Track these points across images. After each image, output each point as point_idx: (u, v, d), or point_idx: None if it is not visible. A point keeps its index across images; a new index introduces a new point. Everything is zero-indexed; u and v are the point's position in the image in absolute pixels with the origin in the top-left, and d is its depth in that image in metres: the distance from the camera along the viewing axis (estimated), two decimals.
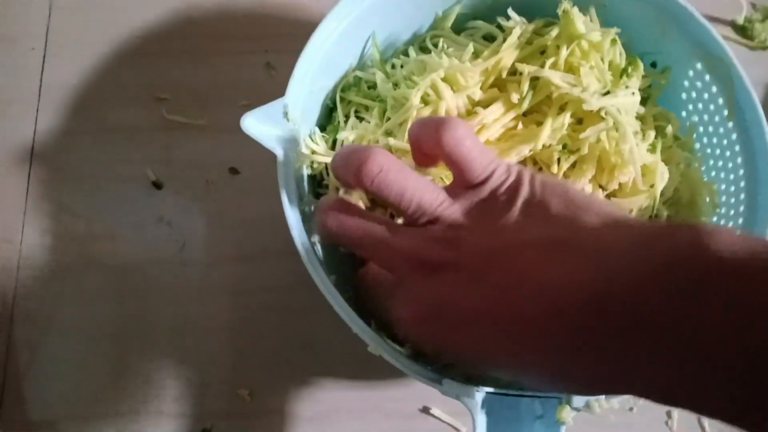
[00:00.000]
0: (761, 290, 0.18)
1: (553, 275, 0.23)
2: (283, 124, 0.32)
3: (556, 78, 0.32)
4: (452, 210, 0.27)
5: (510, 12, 0.36)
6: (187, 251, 0.41)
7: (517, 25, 0.35)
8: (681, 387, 0.20)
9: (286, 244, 0.41)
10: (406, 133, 0.32)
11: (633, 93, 0.34)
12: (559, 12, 0.34)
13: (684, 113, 0.38)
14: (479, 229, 0.26)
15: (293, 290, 0.40)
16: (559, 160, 0.32)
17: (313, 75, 0.34)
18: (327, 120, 0.39)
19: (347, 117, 0.37)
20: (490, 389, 0.30)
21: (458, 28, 0.39)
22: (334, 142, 0.37)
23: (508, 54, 0.34)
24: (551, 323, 0.22)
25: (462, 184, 0.27)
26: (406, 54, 0.38)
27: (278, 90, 0.42)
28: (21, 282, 0.40)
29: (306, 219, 0.32)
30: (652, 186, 0.33)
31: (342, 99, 0.38)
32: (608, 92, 0.33)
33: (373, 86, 0.38)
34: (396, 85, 0.36)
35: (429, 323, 0.26)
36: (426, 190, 0.27)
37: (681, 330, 0.19)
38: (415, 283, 0.26)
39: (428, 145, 0.28)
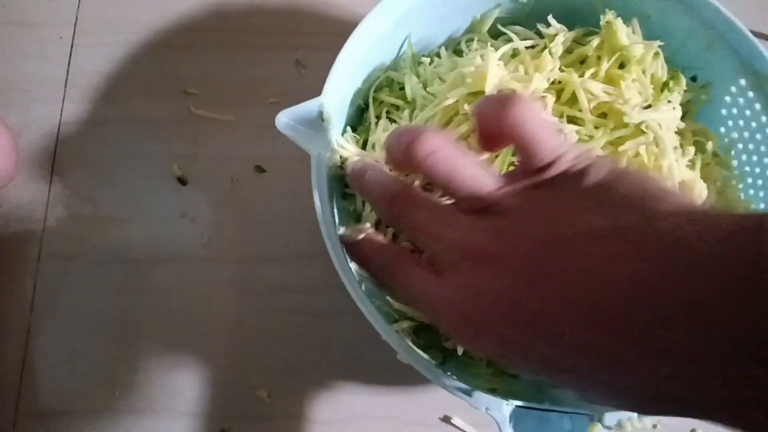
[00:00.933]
0: None
1: (618, 275, 0.20)
2: (317, 124, 0.31)
3: (598, 89, 0.32)
4: (509, 197, 0.24)
5: (550, 19, 0.35)
6: (210, 249, 0.41)
7: (558, 32, 0.34)
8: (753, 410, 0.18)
9: (311, 246, 0.41)
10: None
11: (674, 108, 0.33)
12: (602, 23, 0.34)
13: (723, 129, 0.37)
14: (539, 218, 0.23)
15: (316, 293, 0.40)
16: None
17: (349, 75, 0.34)
18: (358, 120, 0.38)
19: (378, 117, 0.37)
20: (519, 403, 0.29)
21: (495, 33, 0.38)
22: (365, 142, 0.36)
23: (548, 61, 0.33)
24: (615, 330, 0.20)
25: (526, 169, 0.25)
26: (439, 56, 0.37)
27: (307, 88, 0.42)
28: (42, 272, 0.39)
29: (337, 221, 0.31)
30: None
31: (374, 99, 0.37)
32: (649, 106, 0.32)
33: (404, 87, 0.37)
34: (425, 84, 0.36)
35: (474, 328, 0.23)
36: (479, 175, 0.25)
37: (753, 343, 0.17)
38: (464, 279, 0.24)
39: (492, 123, 0.25)
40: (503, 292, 0.22)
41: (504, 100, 0.24)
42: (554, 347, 0.21)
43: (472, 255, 0.23)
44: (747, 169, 0.37)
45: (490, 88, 0.29)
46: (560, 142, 0.24)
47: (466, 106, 0.30)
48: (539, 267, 0.22)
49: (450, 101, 0.31)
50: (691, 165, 0.33)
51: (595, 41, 0.34)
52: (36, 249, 0.40)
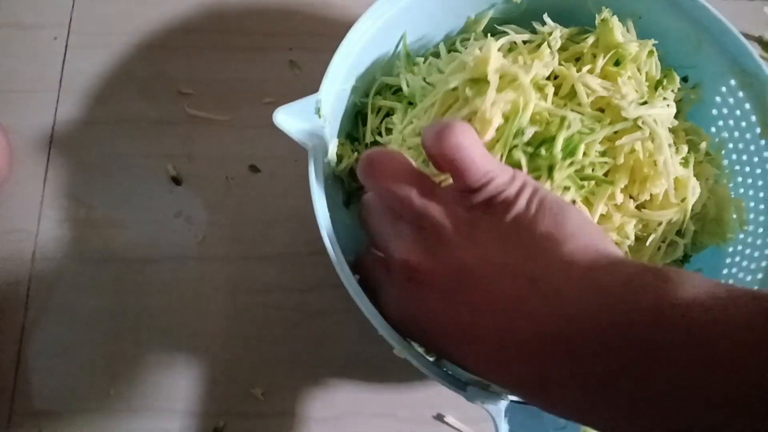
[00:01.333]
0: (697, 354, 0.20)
1: (520, 311, 0.24)
2: (314, 120, 0.32)
3: (596, 84, 0.32)
4: (438, 210, 0.27)
5: (545, 18, 0.36)
6: (204, 248, 0.41)
7: (554, 30, 0.34)
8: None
9: (305, 245, 0.41)
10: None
11: (668, 105, 0.33)
12: (598, 21, 0.34)
13: (713, 129, 0.38)
14: (461, 240, 0.26)
15: (310, 291, 0.40)
16: (593, 168, 0.31)
17: (345, 72, 0.34)
18: (354, 118, 0.38)
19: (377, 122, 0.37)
20: (514, 398, 0.29)
21: (490, 32, 0.38)
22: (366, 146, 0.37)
23: (547, 54, 0.33)
24: (514, 354, 0.24)
25: (459, 189, 0.27)
26: (437, 56, 0.38)
27: (302, 88, 0.42)
28: (36, 272, 0.39)
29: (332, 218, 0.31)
30: (683, 200, 0.33)
31: (371, 105, 0.37)
32: (645, 102, 0.32)
33: (398, 89, 0.37)
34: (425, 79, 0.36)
35: (407, 325, 0.28)
36: (418, 188, 0.27)
37: (632, 382, 0.21)
38: (397, 284, 0.28)
39: (433, 151, 0.27)
40: (426, 306, 0.27)
41: (439, 128, 0.26)
42: (459, 357, 0.27)
43: (406, 269, 0.27)
44: (737, 167, 0.37)
45: (492, 73, 0.30)
46: (493, 166, 0.26)
47: (468, 90, 0.30)
48: (455, 290, 0.26)
49: (452, 85, 0.31)
50: (685, 163, 0.34)
51: (590, 39, 0.35)
52: (30, 248, 0.40)
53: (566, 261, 0.24)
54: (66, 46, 0.45)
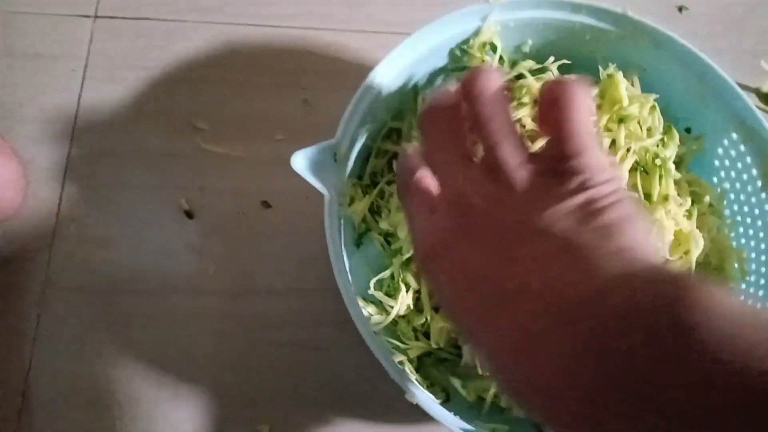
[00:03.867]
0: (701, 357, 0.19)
1: (556, 287, 0.23)
2: (330, 164, 0.33)
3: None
4: (521, 169, 0.25)
5: (551, 65, 0.37)
6: (213, 282, 0.41)
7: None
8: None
9: (314, 281, 0.42)
10: None
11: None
12: (603, 75, 0.35)
13: (715, 179, 0.39)
14: (530, 199, 0.25)
15: (318, 327, 0.40)
16: None
17: (361, 117, 0.35)
18: (365, 160, 0.39)
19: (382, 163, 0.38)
20: None
21: None
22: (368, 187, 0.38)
23: None
24: (539, 322, 0.23)
25: (550, 153, 0.26)
26: None
27: (314, 126, 0.43)
28: (46, 302, 0.39)
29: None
30: (686, 252, 0.34)
31: (378, 150, 0.38)
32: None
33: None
34: None
35: (433, 262, 0.26)
36: (509, 137, 0.26)
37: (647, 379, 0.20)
38: (445, 216, 0.26)
39: (551, 97, 0.26)
40: (466, 252, 0.25)
41: (570, 84, 0.26)
42: (475, 313, 0.25)
43: (464, 207, 0.26)
44: (739, 218, 0.38)
45: None
46: (592, 145, 0.25)
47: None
48: (507, 242, 0.24)
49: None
50: (688, 215, 0.35)
51: (594, 90, 0.36)
52: (41, 279, 0.40)
53: (614, 259, 0.23)
54: (83, 78, 0.46)
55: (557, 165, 0.25)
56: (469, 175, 0.26)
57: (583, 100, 0.25)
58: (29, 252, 0.41)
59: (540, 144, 0.29)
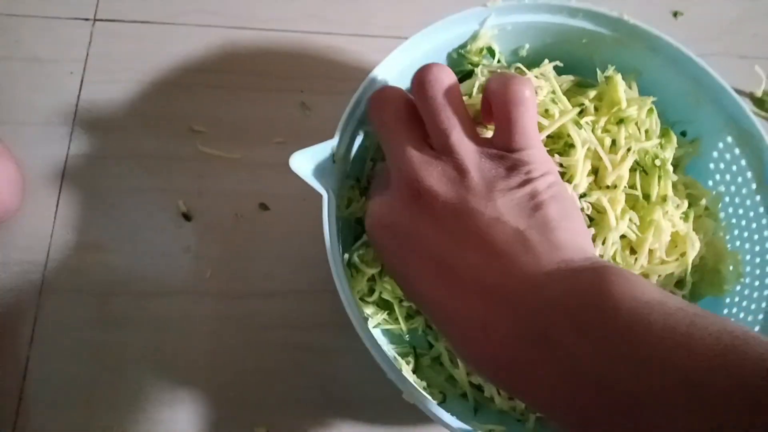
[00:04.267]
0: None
1: (504, 277, 0.26)
2: (329, 165, 0.33)
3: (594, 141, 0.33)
4: (471, 153, 0.28)
5: (548, 66, 0.37)
6: (211, 284, 0.41)
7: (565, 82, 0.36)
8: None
9: (312, 283, 0.42)
10: None
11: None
12: (601, 78, 0.36)
13: (710, 182, 0.39)
14: (479, 189, 0.28)
15: (316, 329, 0.40)
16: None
17: (358, 118, 0.35)
18: (363, 164, 0.39)
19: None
20: None
21: None
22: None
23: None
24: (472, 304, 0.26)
25: (497, 144, 0.29)
26: None
27: (312, 129, 0.43)
28: (43, 304, 0.39)
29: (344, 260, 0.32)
30: (683, 254, 0.34)
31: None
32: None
33: None
34: None
35: (385, 230, 0.30)
36: (463, 123, 0.29)
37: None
38: (398, 193, 0.29)
39: (495, 94, 0.29)
40: (418, 225, 0.28)
41: (513, 78, 0.28)
42: (412, 286, 0.29)
43: (414, 184, 0.29)
44: (734, 221, 0.38)
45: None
46: (535, 139, 0.29)
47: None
48: (451, 225, 0.27)
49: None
50: (685, 217, 0.35)
51: (592, 92, 0.36)
52: (38, 281, 0.40)
53: (554, 246, 0.26)
54: (81, 81, 0.46)
55: (505, 154, 0.28)
56: (423, 158, 0.29)
57: (531, 99, 0.28)
58: (26, 254, 0.41)
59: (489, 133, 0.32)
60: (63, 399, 0.37)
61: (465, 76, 0.38)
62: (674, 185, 0.36)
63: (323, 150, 0.32)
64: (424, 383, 0.35)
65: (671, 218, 0.34)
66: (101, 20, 0.48)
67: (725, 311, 0.38)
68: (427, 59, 0.36)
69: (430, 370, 0.35)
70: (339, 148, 0.33)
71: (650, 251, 0.34)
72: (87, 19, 0.48)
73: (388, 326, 0.35)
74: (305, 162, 0.32)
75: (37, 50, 0.47)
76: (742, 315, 0.37)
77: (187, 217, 0.42)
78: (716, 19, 0.53)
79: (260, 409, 0.38)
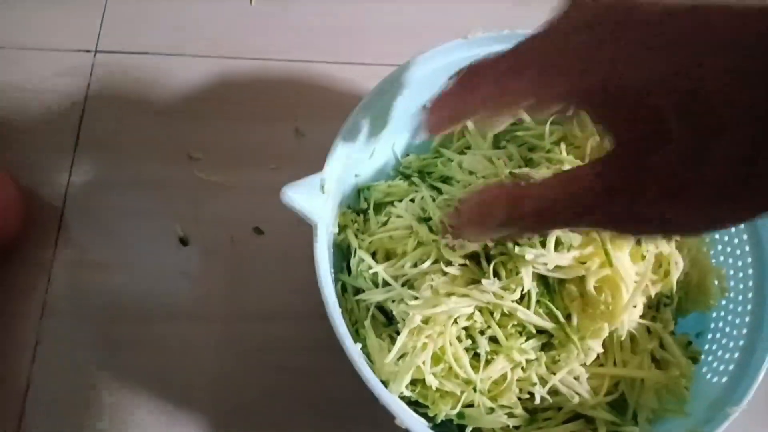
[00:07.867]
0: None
1: None
2: (319, 196, 0.34)
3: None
4: None
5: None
6: (207, 307, 0.42)
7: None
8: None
9: (307, 306, 0.43)
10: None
11: None
12: None
13: None
14: None
15: (311, 351, 0.41)
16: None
17: (348, 149, 0.36)
18: (357, 193, 0.40)
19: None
20: None
21: None
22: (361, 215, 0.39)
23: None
24: None
25: None
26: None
27: (306, 155, 0.44)
28: (44, 327, 0.41)
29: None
30: (666, 274, 0.35)
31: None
32: None
33: None
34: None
35: None
36: None
37: None
38: None
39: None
40: None
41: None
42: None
43: None
44: (716, 236, 0.39)
45: None
46: None
47: None
48: None
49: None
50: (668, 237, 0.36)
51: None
52: (40, 304, 0.41)
53: None
54: (83, 109, 0.47)
55: None
56: None
57: None
58: (28, 277, 0.42)
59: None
60: (64, 420, 0.39)
61: None
62: None
63: (313, 182, 0.33)
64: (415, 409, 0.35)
65: (654, 239, 0.35)
66: (102, 52, 0.49)
67: (711, 325, 0.39)
68: (419, 87, 0.38)
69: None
70: (329, 180, 0.34)
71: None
72: (89, 51, 0.49)
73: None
74: (296, 195, 0.33)
75: (39, 81, 0.48)
76: (728, 329, 0.37)
77: (184, 241, 0.44)
78: None
79: (258, 429, 0.39)
